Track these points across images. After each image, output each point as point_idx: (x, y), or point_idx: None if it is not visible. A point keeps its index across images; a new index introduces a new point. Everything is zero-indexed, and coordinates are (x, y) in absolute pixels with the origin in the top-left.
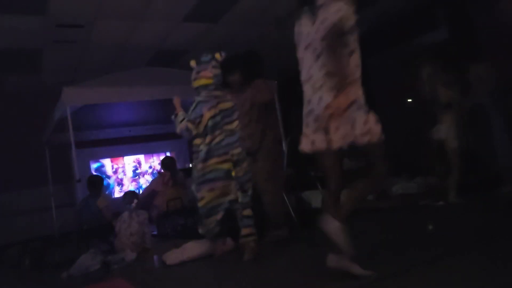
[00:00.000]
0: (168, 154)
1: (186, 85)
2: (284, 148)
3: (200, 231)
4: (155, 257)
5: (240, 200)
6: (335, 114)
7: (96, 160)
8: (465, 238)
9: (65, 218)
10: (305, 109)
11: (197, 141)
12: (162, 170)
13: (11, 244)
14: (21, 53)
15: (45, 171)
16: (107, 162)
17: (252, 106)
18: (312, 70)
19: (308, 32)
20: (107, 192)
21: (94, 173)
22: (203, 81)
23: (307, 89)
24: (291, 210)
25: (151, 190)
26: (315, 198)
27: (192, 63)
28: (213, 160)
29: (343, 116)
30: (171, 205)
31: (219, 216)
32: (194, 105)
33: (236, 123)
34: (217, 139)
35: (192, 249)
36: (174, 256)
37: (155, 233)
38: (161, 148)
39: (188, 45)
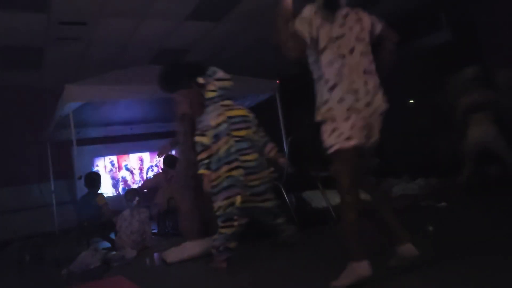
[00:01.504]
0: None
1: None
2: (285, 147)
3: (215, 237)
4: (155, 255)
5: (265, 210)
6: (383, 113)
7: (98, 157)
8: (467, 239)
9: (66, 214)
10: (346, 105)
11: (203, 155)
12: (164, 168)
13: (12, 240)
14: (23, 50)
15: (46, 168)
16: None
17: (179, 119)
18: (359, 68)
19: (344, 32)
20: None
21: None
22: (208, 94)
23: (350, 85)
24: (291, 210)
25: (154, 183)
26: (315, 198)
27: (200, 80)
28: (224, 168)
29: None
30: (172, 203)
31: (232, 223)
32: (203, 116)
33: (247, 131)
34: (225, 147)
35: (192, 247)
36: (174, 254)
37: (155, 231)
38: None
39: (190, 44)
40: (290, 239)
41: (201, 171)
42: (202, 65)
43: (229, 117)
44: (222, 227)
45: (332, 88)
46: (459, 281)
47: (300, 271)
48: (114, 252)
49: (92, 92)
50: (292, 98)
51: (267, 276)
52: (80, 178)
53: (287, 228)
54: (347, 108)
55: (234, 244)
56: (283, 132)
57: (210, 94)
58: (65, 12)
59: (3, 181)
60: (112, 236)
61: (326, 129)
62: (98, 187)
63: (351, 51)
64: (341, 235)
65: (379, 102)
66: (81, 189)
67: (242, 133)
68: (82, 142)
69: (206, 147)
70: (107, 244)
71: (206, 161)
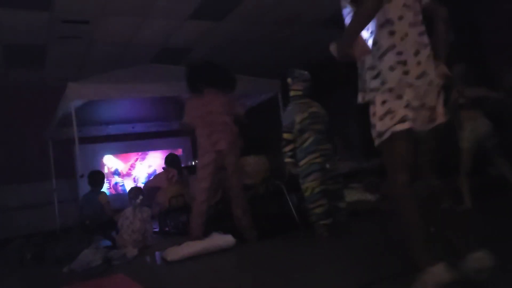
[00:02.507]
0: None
1: None
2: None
3: (311, 219)
4: (156, 253)
5: (335, 191)
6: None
7: (100, 155)
8: (469, 241)
9: (68, 213)
10: (397, 75)
11: (288, 147)
12: (165, 167)
13: (14, 238)
14: (26, 48)
15: (48, 166)
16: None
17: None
18: (415, 36)
19: (409, 2)
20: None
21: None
22: (292, 93)
23: (420, 56)
24: (293, 210)
25: (155, 183)
26: None
27: (288, 80)
28: (309, 157)
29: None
30: (173, 202)
31: (322, 201)
32: (286, 113)
33: (321, 125)
34: (309, 140)
35: (193, 246)
36: (175, 253)
37: (156, 229)
38: (164, 145)
39: (192, 43)
40: (341, 222)
41: (287, 159)
42: (218, 72)
43: (310, 113)
44: (313, 208)
45: (382, 56)
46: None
47: (301, 271)
48: (115, 251)
49: (95, 91)
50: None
51: (268, 276)
52: (82, 176)
53: (343, 214)
54: (399, 80)
55: (328, 221)
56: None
57: (295, 93)
58: (67, 11)
59: (5, 179)
60: (113, 234)
61: (377, 110)
62: (101, 186)
63: (400, 18)
64: (405, 239)
65: (433, 74)
66: (83, 187)
67: (318, 126)
68: (84, 140)
69: (290, 142)
70: (108, 243)
71: (290, 153)
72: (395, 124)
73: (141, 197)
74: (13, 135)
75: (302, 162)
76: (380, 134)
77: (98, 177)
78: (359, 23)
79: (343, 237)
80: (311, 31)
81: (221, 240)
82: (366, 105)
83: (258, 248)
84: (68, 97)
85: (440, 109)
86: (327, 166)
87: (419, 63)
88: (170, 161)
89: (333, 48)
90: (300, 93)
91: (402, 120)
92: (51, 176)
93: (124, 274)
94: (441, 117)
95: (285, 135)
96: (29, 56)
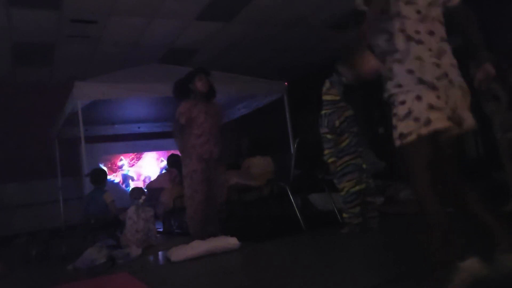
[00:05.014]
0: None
1: None
2: (292, 149)
3: (345, 216)
4: (160, 253)
5: (368, 188)
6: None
7: (105, 155)
8: (471, 245)
9: (73, 211)
10: (415, 78)
11: (329, 149)
12: (168, 167)
13: (19, 235)
14: (34, 47)
15: (54, 164)
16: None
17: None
18: (442, 41)
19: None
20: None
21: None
22: (330, 97)
23: (440, 59)
24: (297, 212)
25: (159, 184)
26: (321, 201)
27: (327, 84)
28: (346, 158)
29: None
30: (178, 202)
31: (358, 201)
32: (323, 116)
33: (357, 127)
34: (347, 141)
35: (197, 247)
36: (178, 253)
37: (160, 229)
38: (170, 146)
39: (200, 44)
40: (374, 221)
41: (330, 160)
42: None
43: (346, 117)
44: (349, 208)
45: (400, 60)
46: None
47: (302, 272)
48: (119, 249)
49: (102, 90)
50: (300, 100)
51: (269, 276)
52: (87, 175)
53: (375, 213)
54: (418, 81)
55: (360, 220)
56: (290, 134)
57: (333, 98)
58: (76, 10)
59: (11, 176)
60: (118, 233)
61: (397, 111)
62: (104, 183)
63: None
64: (432, 243)
65: (455, 75)
66: (88, 186)
67: (355, 129)
68: (90, 139)
69: (331, 142)
70: (112, 241)
71: (329, 154)
72: (420, 127)
73: (143, 197)
74: (20, 133)
75: (339, 163)
76: (403, 136)
77: (100, 174)
78: (367, 25)
79: (347, 239)
80: (317, 33)
81: (226, 242)
82: (372, 107)
83: (262, 250)
84: (75, 96)
85: (466, 114)
86: (364, 166)
87: (438, 65)
88: (171, 161)
89: (343, 68)
90: (338, 98)
91: (427, 122)
92: (56, 174)
93: (127, 273)
94: (469, 122)
95: (329, 135)
96: (38, 55)
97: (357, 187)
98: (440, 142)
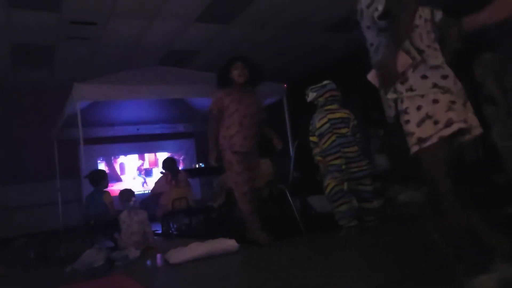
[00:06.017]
0: (168, 154)
1: (196, 85)
2: (291, 152)
3: (336, 218)
4: (158, 255)
5: (362, 192)
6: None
7: (104, 156)
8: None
9: (71, 213)
10: (430, 82)
11: (315, 150)
12: (164, 171)
13: (17, 237)
14: (34, 49)
15: (53, 166)
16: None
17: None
18: (433, 51)
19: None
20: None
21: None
22: (317, 100)
23: (444, 73)
24: (296, 214)
25: (158, 189)
26: (320, 203)
27: (310, 92)
28: (328, 158)
29: None
30: (176, 204)
31: (344, 200)
32: (312, 120)
33: (347, 129)
34: (328, 142)
35: (195, 249)
36: (177, 255)
37: (159, 231)
38: (169, 148)
39: (200, 45)
40: (371, 224)
41: (317, 159)
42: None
43: (330, 119)
44: (335, 207)
45: (414, 66)
46: None
47: (301, 274)
48: (117, 251)
49: (101, 92)
50: (299, 103)
51: (268, 279)
52: (86, 177)
53: (372, 217)
54: (433, 85)
55: (355, 222)
56: (289, 137)
57: (319, 101)
58: (76, 12)
59: (10, 178)
60: (116, 235)
61: (412, 118)
62: (103, 184)
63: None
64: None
65: (460, 84)
66: (87, 188)
67: (342, 131)
68: (89, 141)
69: (316, 144)
70: (111, 243)
71: (318, 153)
72: (441, 129)
73: (134, 199)
74: (19, 135)
75: (323, 161)
76: (421, 141)
77: (98, 175)
78: (400, 39)
79: (346, 242)
80: (317, 35)
81: (224, 244)
82: (372, 110)
83: (260, 252)
84: (74, 97)
85: (474, 120)
86: (343, 167)
87: (448, 75)
88: (166, 165)
89: (372, 76)
90: (322, 100)
91: (449, 123)
92: (55, 176)
93: (126, 275)
94: (477, 128)
95: (311, 138)
96: (37, 56)
97: (341, 187)
98: (453, 146)
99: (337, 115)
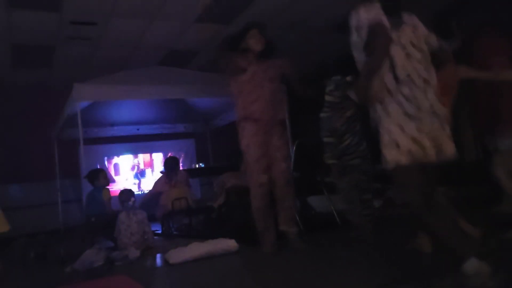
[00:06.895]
0: (168, 154)
1: (197, 85)
2: (291, 152)
3: (348, 217)
4: (158, 255)
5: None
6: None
7: (105, 156)
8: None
9: (71, 213)
10: (402, 110)
11: (331, 151)
12: (164, 171)
13: (17, 237)
14: (34, 49)
15: (53, 166)
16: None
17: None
18: (422, 72)
19: (415, 39)
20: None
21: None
22: (331, 99)
23: (427, 92)
24: (296, 214)
25: (154, 193)
26: (320, 203)
27: (331, 85)
28: (345, 157)
29: None
30: (176, 204)
31: (360, 201)
32: (325, 120)
33: (358, 125)
34: (347, 141)
35: (195, 249)
36: (177, 255)
37: (159, 231)
38: (169, 148)
39: (200, 46)
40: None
41: (330, 161)
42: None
43: (348, 117)
44: (355, 207)
45: (390, 92)
46: None
47: (301, 274)
48: (117, 251)
49: (101, 92)
50: (299, 103)
51: (269, 278)
52: (86, 177)
53: (369, 211)
54: (405, 114)
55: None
56: (289, 137)
57: (333, 100)
58: (76, 12)
59: (10, 178)
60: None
61: (383, 139)
62: (100, 182)
63: (407, 56)
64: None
65: (438, 106)
66: (87, 188)
67: (357, 128)
68: (89, 141)
69: (333, 145)
70: (111, 243)
71: (333, 155)
72: (400, 156)
73: (133, 199)
74: (19, 135)
75: (338, 162)
76: (387, 162)
77: (93, 173)
78: (373, 69)
79: (345, 242)
80: (316, 36)
81: (224, 244)
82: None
83: (260, 252)
84: (74, 97)
85: (446, 143)
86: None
87: (426, 98)
88: (166, 164)
89: (352, 93)
90: (337, 100)
91: (408, 152)
92: (55, 176)
93: (126, 275)
94: (449, 151)
95: (326, 139)
96: (37, 56)
97: (357, 186)
98: (424, 168)
99: (351, 112)
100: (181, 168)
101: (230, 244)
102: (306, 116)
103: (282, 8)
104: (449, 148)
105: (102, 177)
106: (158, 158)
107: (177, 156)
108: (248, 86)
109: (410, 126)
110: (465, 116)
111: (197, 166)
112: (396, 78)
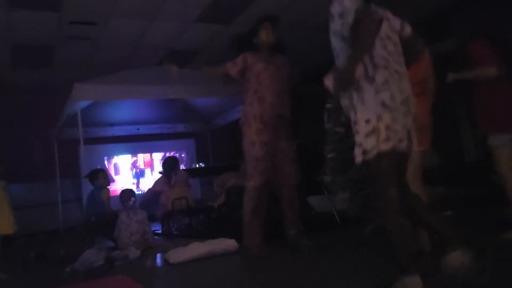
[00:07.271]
0: (168, 154)
1: (196, 85)
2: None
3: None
4: (158, 255)
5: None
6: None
7: (105, 156)
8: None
9: (71, 213)
10: (380, 99)
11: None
12: (163, 171)
13: (17, 237)
14: (34, 49)
15: (53, 166)
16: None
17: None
18: (395, 65)
19: (389, 32)
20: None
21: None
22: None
23: (401, 84)
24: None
25: (153, 192)
26: (320, 203)
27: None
28: (350, 152)
29: None
30: (176, 204)
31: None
32: (329, 111)
33: None
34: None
35: (195, 249)
36: (177, 255)
37: (159, 231)
38: (169, 147)
39: (200, 46)
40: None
41: (329, 155)
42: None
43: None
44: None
45: (370, 80)
46: None
47: (301, 274)
48: (117, 251)
49: (101, 92)
50: (298, 103)
51: (269, 278)
52: (86, 177)
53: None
54: (381, 103)
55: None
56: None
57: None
58: (76, 12)
59: (9, 177)
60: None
61: (361, 129)
62: (100, 181)
63: (383, 47)
64: (393, 245)
65: (412, 102)
66: (87, 188)
67: None
68: (89, 141)
69: (336, 138)
70: (111, 243)
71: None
72: (380, 143)
73: (133, 199)
74: (19, 134)
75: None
76: (365, 153)
77: (93, 172)
78: (359, 56)
79: (345, 241)
80: (317, 36)
81: (224, 244)
82: None
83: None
84: (74, 97)
85: (414, 141)
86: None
87: (401, 91)
88: (166, 164)
89: (328, 82)
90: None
91: (387, 139)
92: (55, 176)
93: (126, 275)
94: (414, 147)
95: (336, 129)
96: (37, 56)
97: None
98: (400, 158)
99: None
100: (181, 168)
101: (230, 244)
102: (306, 117)
103: (282, 8)
104: (414, 145)
105: (102, 177)
106: (158, 158)
107: (177, 156)
108: (257, 83)
109: (386, 115)
110: (465, 116)
111: (197, 166)
112: (374, 67)
